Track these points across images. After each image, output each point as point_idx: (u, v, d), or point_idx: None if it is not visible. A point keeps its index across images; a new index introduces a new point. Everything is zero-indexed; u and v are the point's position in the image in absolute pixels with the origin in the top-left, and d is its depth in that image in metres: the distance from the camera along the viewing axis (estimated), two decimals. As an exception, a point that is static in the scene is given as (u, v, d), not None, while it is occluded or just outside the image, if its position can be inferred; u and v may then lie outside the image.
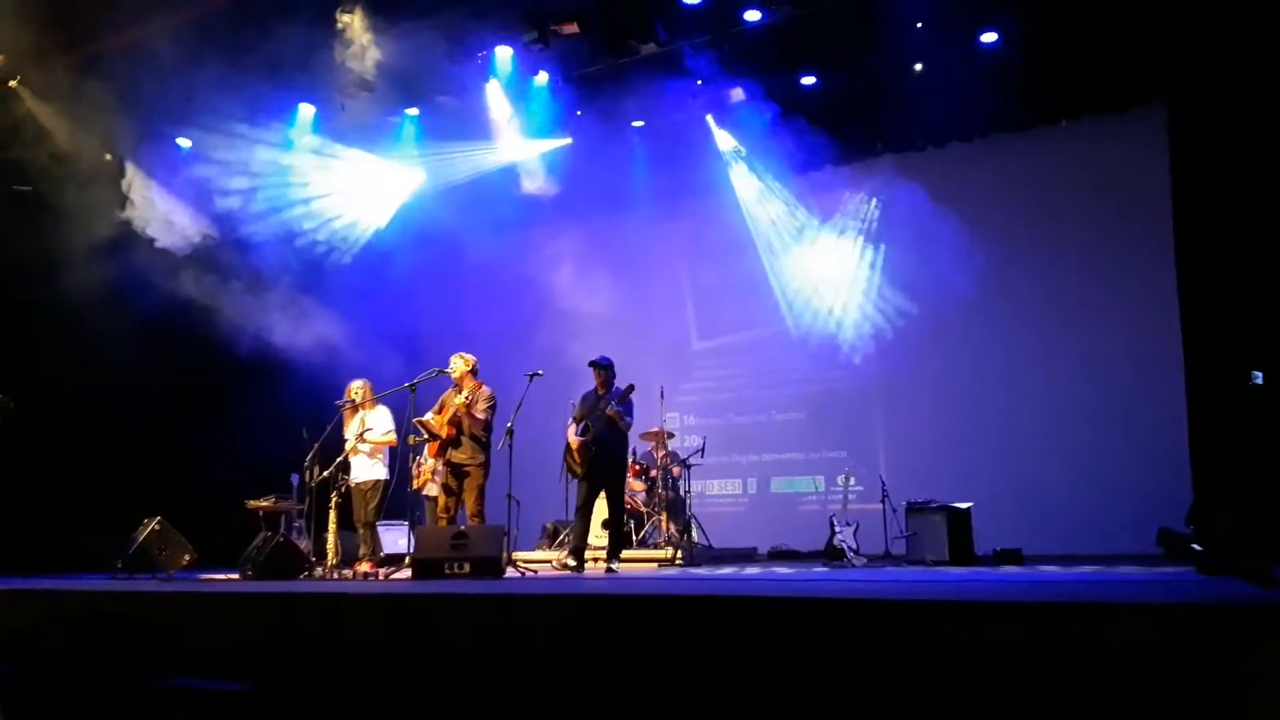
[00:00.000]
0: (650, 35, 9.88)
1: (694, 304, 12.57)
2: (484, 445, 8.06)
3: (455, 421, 7.97)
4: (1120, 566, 7.19)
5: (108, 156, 10.17)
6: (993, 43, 9.66)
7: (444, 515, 8.12)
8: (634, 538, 9.94)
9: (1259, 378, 6.76)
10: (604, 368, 8.28)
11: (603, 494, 8.22)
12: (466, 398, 7.93)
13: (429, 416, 8.11)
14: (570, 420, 8.30)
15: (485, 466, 8.06)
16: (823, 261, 11.80)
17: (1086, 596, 3.93)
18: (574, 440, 8.10)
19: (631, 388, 8.17)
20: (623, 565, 9.02)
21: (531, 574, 7.58)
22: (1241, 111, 8.66)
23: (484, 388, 8.17)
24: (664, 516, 9.87)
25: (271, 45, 9.13)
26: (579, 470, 8.14)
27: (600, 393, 8.20)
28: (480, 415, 7.98)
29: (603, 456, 8.06)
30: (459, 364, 8.16)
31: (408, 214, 11.90)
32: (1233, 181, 8.76)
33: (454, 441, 7.99)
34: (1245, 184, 8.65)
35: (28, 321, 9.63)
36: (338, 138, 11.04)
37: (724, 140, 11.76)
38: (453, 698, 4.30)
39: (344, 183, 11.51)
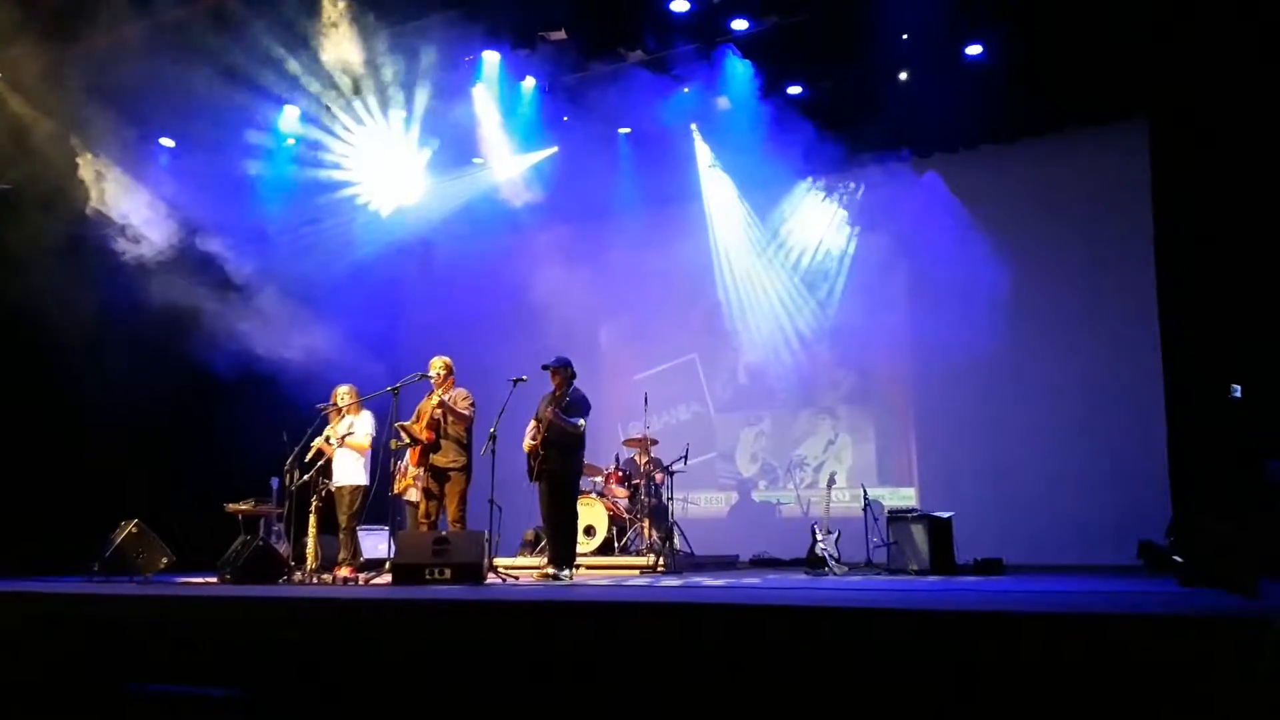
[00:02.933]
0: (638, 43, 9.89)
1: (680, 310, 12.56)
2: (465, 447, 8.03)
3: (433, 425, 7.95)
4: (1101, 577, 7.22)
5: (90, 156, 10.08)
6: (977, 55, 9.72)
7: (425, 521, 8.09)
8: (616, 544, 9.93)
9: (1238, 391, 6.82)
10: (556, 369, 8.12)
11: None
12: (442, 396, 7.93)
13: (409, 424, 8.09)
14: (531, 420, 8.24)
15: (467, 471, 8.03)
16: (806, 269, 11.85)
17: (1068, 607, 3.94)
18: (526, 443, 8.03)
19: (578, 391, 8.10)
20: (603, 572, 9.02)
21: (513, 580, 7.54)
22: (1222, 125, 8.74)
23: (459, 388, 8.16)
24: (646, 523, 9.86)
25: (256, 46, 9.09)
26: (532, 474, 8.05)
27: (556, 394, 8.12)
28: (464, 411, 7.96)
29: (551, 459, 7.93)
30: (438, 366, 8.14)
31: (393, 219, 11.83)
32: (1213, 195, 8.84)
33: (434, 445, 7.96)
34: (1225, 198, 8.72)
35: (4, 321, 9.52)
36: (326, 140, 10.96)
37: (709, 147, 11.80)
38: (433, 703, 4.27)
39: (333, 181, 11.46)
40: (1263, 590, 4.39)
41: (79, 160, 10.00)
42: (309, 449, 8.44)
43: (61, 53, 9.30)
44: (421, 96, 10.58)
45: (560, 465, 7.95)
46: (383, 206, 11.68)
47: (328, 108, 10.40)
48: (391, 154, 11.25)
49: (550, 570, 7.86)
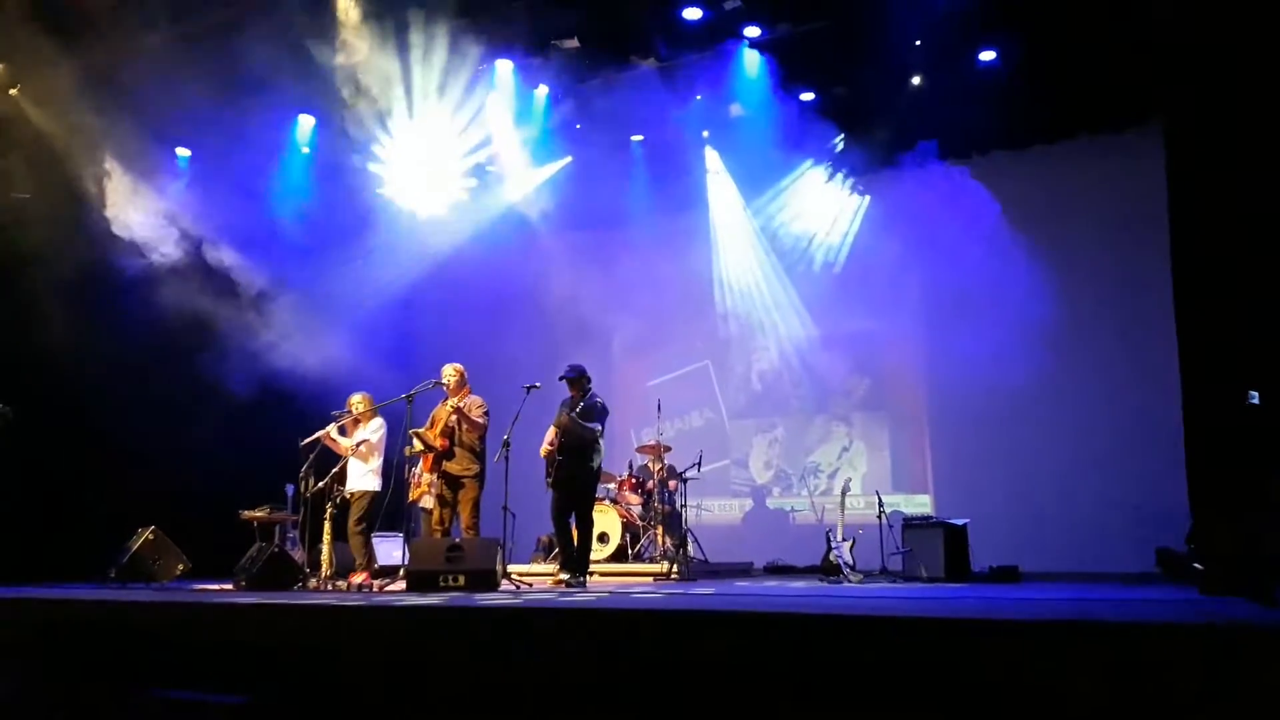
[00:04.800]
0: (651, 51, 9.91)
1: (693, 316, 12.57)
2: (479, 455, 8.03)
3: (448, 433, 7.96)
4: (1119, 585, 7.17)
5: (106, 166, 10.16)
6: (991, 61, 9.70)
7: (439, 527, 8.08)
8: (629, 552, 9.92)
9: (1255, 397, 6.76)
10: (571, 379, 8.17)
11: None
12: (456, 404, 7.93)
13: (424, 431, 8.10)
14: (551, 426, 8.25)
15: (480, 478, 8.02)
16: (819, 275, 11.82)
17: (1086, 615, 3.91)
18: (543, 448, 8.04)
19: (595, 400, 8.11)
20: (616, 579, 9.00)
21: (526, 587, 7.54)
22: (1237, 131, 8.68)
23: (474, 396, 8.17)
24: (660, 530, 9.84)
25: (271, 56, 9.14)
26: (549, 480, 8.08)
27: (574, 401, 8.13)
28: (479, 420, 7.97)
29: (568, 465, 7.94)
30: (450, 373, 8.14)
31: (406, 227, 11.84)
32: (1229, 201, 8.78)
33: (448, 453, 7.97)
34: (1241, 204, 8.66)
35: (24, 330, 9.60)
36: (342, 147, 11.00)
37: (721, 154, 11.81)
38: (447, 711, 4.27)
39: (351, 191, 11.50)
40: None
41: (95, 170, 10.08)
42: (316, 443, 8.44)
43: (82, 65, 9.37)
44: (433, 104, 10.62)
45: (577, 471, 7.95)
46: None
47: (342, 117, 10.45)
48: (412, 160, 11.26)
49: (564, 576, 7.86)
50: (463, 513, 7.97)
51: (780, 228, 12.01)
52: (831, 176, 11.45)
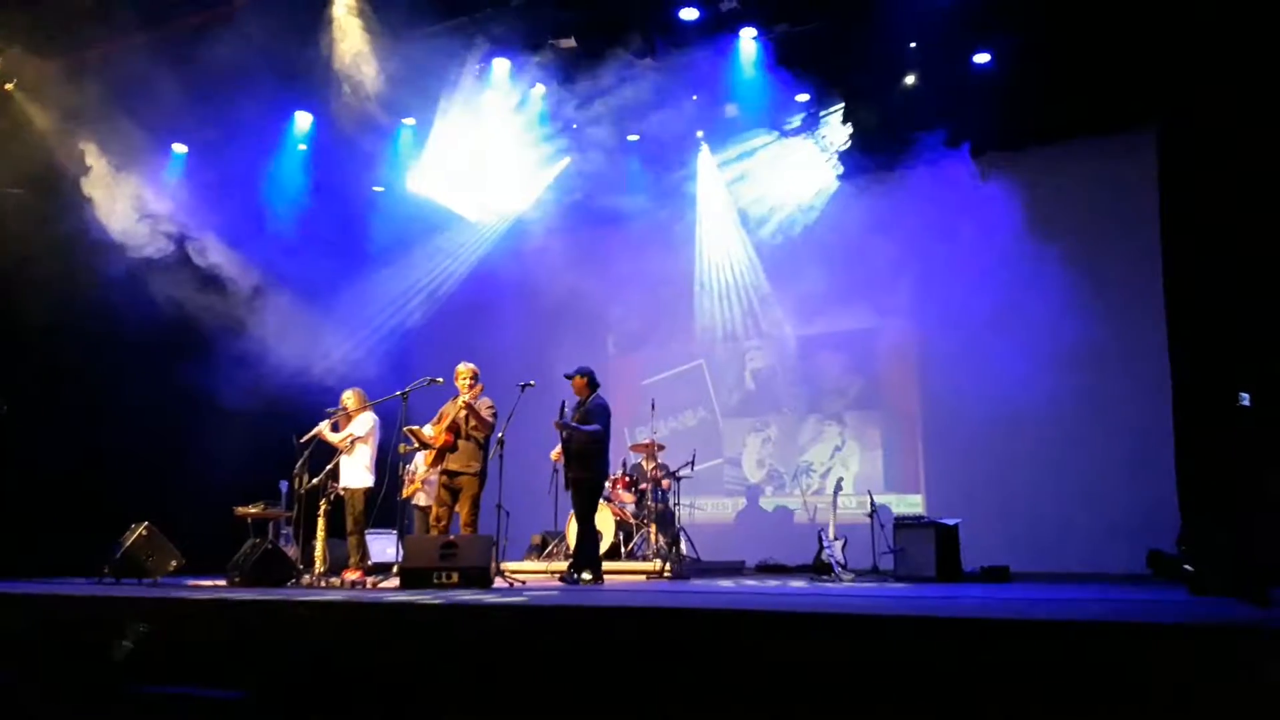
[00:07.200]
0: (647, 50, 9.91)
1: (687, 316, 12.58)
2: (482, 449, 8.03)
3: (454, 427, 7.95)
4: (1109, 586, 7.21)
5: (102, 161, 10.13)
6: (986, 63, 9.72)
7: (436, 525, 8.08)
8: (622, 550, 9.94)
9: (1246, 399, 6.80)
10: (574, 379, 8.25)
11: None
12: (468, 400, 7.93)
13: (427, 428, 8.08)
14: None
15: (481, 476, 8.01)
16: (813, 275, 11.82)
17: (1075, 615, 3.94)
18: (555, 452, 8.10)
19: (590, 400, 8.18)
20: (611, 577, 9.01)
21: (520, 584, 7.56)
22: (1230, 134, 8.73)
23: (485, 396, 8.18)
24: (653, 529, 9.86)
25: (268, 52, 9.14)
26: (566, 483, 8.19)
27: (578, 402, 8.20)
28: (488, 418, 7.98)
29: (572, 468, 8.06)
30: (465, 372, 8.15)
31: (403, 227, 11.83)
32: (1221, 204, 8.82)
33: (451, 447, 7.97)
34: (1233, 206, 8.71)
35: (17, 325, 9.58)
36: (340, 145, 10.99)
37: (717, 154, 11.82)
38: (440, 707, 4.28)
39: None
40: (1273, 598, 4.39)
41: (91, 164, 10.06)
42: (312, 440, 8.45)
43: (78, 60, 9.35)
44: (430, 102, 10.61)
45: (580, 473, 8.05)
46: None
47: (339, 114, 10.43)
48: (410, 160, 11.23)
49: (586, 575, 7.95)
50: (462, 510, 7.97)
51: (775, 227, 12.02)
52: (825, 179, 11.45)
